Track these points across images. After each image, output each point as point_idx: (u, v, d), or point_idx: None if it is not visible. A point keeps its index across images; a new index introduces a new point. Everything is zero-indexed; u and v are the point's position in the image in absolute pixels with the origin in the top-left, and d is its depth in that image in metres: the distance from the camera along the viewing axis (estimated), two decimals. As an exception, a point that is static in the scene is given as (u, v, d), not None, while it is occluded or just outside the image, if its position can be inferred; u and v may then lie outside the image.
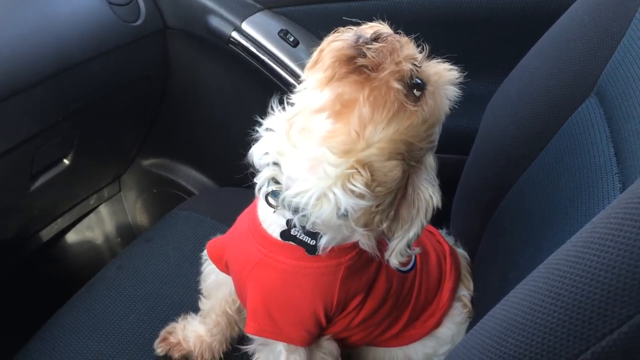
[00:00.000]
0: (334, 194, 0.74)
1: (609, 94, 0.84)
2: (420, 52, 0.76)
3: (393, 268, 0.92)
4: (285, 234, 0.83)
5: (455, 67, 0.78)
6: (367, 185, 0.74)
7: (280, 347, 0.88)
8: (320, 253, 0.82)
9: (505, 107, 1.07)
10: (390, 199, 0.78)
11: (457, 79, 0.77)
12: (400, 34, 0.76)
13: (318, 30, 1.47)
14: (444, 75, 0.76)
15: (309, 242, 0.82)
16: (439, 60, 0.78)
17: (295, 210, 0.78)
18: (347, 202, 0.74)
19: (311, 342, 0.89)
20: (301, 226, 0.80)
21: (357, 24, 0.76)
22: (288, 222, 0.82)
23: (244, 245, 0.89)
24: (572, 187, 0.80)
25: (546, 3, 1.25)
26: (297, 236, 0.82)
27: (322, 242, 0.81)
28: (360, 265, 0.86)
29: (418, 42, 0.77)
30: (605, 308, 0.42)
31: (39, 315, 1.16)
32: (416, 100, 0.72)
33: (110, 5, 1.35)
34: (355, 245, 0.84)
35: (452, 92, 0.77)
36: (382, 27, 0.75)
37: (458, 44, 1.38)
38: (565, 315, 0.44)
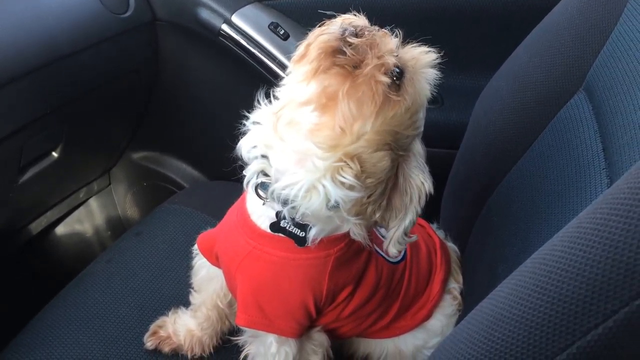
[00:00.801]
0: (324, 186, 0.75)
1: (598, 89, 0.85)
2: (396, 38, 0.76)
3: (384, 258, 0.93)
4: (275, 226, 0.84)
5: (432, 50, 0.77)
6: (356, 177, 0.74)
7: (271, 338, 0.89)
8: (309, 244, 0.82)
9: (495, 102, 1.08)
10: (382, 189, 0.78)
11: (434, 60, 0.77)
12: (374, 24, 0.76)
13: (308, 24, 1.47)
14: (420, 59, 0.76)
15: (298, 233, 0.82)
16: (414, 45, 0.77)
17: (285, 202, 0.78)
18: (337, 193, 0.74)
19: (301, 333, 0.89)
20: (290, 218, 0.81)
21: (332, 17, 0.76)
22: (277, 214, 0.82)
23: (233, 238, 0.90)
24: (560, 181, 0.80)
25: (536, -2, 1.26)
26: (287, 228, 0.82)
27: (312, 233, 0.81)
28: (349, 257, 0.87)
29: (393, 30, 0.77)
30: (591, 303, 0.42)
31: (28, 308, 1.16)
32: (397, 89, 0.72)
33: (99, -4, 1.33)
34: (345, 236, 0.84)
35: (431, 75, 0.77)
36: (357, 19, 0.75)
37: (448, 39, 1.37)
38: (551, 309, 0.44)
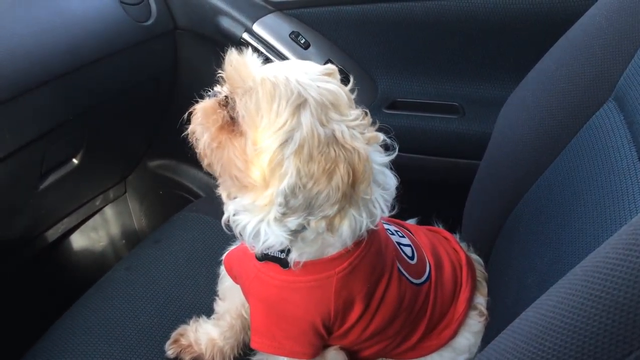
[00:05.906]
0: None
1: (629, 98, 0.84)
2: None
3: (408, 280, 0.92)
4: (259, 255, 0.86)
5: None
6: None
7: (282, 359, 0.89)
8: (292, 267, 0.82)
9: (521, 111, 1.07)
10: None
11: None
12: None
13: (328, 33, 1.47)
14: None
15: (280, 256, 0.83)
16: None
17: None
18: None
19: (314, 353, 0.89)
20: None
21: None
22: None
23: (245, 260, 0.91)
24: (594, 191, 0.79)
25: (561, 8, 1.25)
26: (269, 254, 0.84)
27: (293, 256, 0.82)
28: (358, 276, 0.85)
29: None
30: (650, 311, 0.41)
31: (45, 315, 1.15)
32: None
33: (122, 4, 1.34)
34: (346, 257, 0.84)
35: None
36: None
37: (473, 49, 1.38)
38: (607, 318, 0.43)
